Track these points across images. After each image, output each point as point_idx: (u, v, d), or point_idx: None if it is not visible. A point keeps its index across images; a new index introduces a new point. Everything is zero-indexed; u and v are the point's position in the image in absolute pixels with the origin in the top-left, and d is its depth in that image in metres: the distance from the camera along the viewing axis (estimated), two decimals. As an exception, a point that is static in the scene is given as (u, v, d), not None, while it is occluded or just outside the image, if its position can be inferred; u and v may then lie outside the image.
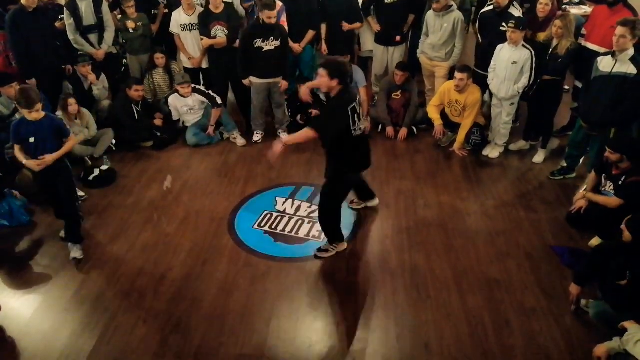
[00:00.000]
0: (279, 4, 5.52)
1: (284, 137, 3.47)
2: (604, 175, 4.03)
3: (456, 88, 5.07)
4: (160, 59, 5.81)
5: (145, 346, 3.24)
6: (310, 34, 5.76)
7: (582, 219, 4.11)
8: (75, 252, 4.00)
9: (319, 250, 3.97)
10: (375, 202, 4.49)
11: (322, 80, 3.50)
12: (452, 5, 5.31)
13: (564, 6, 6.39)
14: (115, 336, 3.31)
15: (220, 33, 5.41)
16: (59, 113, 5.14)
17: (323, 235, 4.17)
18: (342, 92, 3.54)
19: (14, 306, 3.60)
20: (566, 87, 5.95)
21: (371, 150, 3.90)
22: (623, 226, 3.13)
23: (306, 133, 3.58)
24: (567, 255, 3.86)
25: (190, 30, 5.60)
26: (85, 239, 4.09)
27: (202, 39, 5.50)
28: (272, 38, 5.12)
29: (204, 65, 5.80)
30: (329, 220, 3.89)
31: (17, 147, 3.80)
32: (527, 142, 5.39)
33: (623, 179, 3.81)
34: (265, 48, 5.15)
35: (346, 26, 5.74)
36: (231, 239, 4.19)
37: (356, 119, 3.57)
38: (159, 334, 3.32)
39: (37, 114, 3.66)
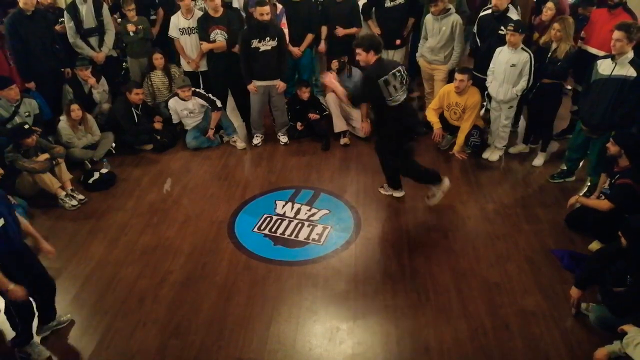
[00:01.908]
0: (279, 7, 5.54)
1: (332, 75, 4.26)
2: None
3: (456, 89, 5.07)
4: (159, 59, 5.81)
5: (144, 350, 3.23)
6: (310, 37, 5.77)
7: (581, 222, 4.12)
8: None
9: (428, 197, 4.43)
10: (400, 193, 4.65)
11: (361, 57, 3.87)
12: (450, 9, 5.32)
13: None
14: (115, 340, 3.31)
15: (219, 37, 5.40)
16: (63, 118, 5.15)
17: (323, 239, 4.17)
18: (375, 64, 3.89)
19: (13, 310, 3.59)
20: (568, 87, 5.94)
21: (416, 117, 4.31)
22: (620, 232, 3.13)
23: (344, 96, 4.10)
24: (567, 258, 3.86)
25: (189, 34, 5.59)
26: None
27: (201, 44, 5.50)
28: (268, 38, 5.12)
29: (203, 68, 5.80)
30: (414, 173, 4.34)
31: None
32: (527, 145, 5.40)
33: (616, 177, 3.82)
34: (262, 48, 5.15)
35: (340, 31, 5.74)
36: (231, 242, 4.19)
37: (391, 90, 3.91)
38: (158, 338, 3.31)
39: None
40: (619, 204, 3.72)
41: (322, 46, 5.87)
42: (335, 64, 5.56)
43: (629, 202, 3.67)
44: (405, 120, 4.14)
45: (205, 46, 5.46)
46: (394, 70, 3.96)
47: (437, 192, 4.37)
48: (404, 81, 4.05)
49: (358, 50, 3.85)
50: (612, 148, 3.85)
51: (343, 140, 5.63)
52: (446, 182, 4.36)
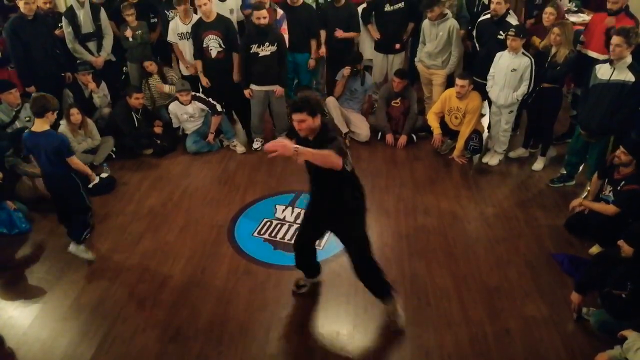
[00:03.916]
0: (280, 12, 5.55)
1: (301, 148, 2.75)
2: (606, 179, 4.04)
3: (457, 95, 5.08)
4: (149, 66, 5.81)
5: (144, 355, 3.22)
6: (314, 43, 5.78)
7: (581, 227, 4.12)
8: (82, 253, 4.00)
9: (390, 317, 3.36)
10: (318, 278, 3.76)
11: (305, 124, 2.90)
12: (446, 14, 5.34)
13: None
14: (114, 345, 3.30)
15: (212, 43, 5.34)
16: (63, 122, 5.16)
17: (323, 244, 4.15)
18: (326, 124, 3.02)
19: (12, 314, 3.58)
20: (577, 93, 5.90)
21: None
22: (621, 242, 3.10)
23: (329, 156, 2.76)
24: (567, 262, 3.86)
25: (188, 39, 5.58)
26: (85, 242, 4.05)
27: (201, 74, 5.50)
28: (267, 43, 5.12)
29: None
30: (375, 273, 3.30)
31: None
32: (527, 150, 5.41)
33: (622, 184, 3.82)
34: (261, 53, 5.15)
35: (340, 33, 5.75)
36: (231, 246, 4.18)
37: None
38: (158, 343, 3.30)
39: (39, 125, 3.68)
40: (626, 209, 3.72)
41: (323, 49, 5.87)
42: (347, 70, 5.58)
43: (636, 207, 3.67)
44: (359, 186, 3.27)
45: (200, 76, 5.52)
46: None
47: (398, 308, 3.40)
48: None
49: (300, 117, 2.88)
50: (624, 157, 3.78)
51: None
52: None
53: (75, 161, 3.84)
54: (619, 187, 3.85)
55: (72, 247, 3.98)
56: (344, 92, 5.74)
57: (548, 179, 4.97)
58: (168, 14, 5.82)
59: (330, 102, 5.66)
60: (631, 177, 3.79)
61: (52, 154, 3.70)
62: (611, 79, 4.13)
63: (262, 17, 4.97)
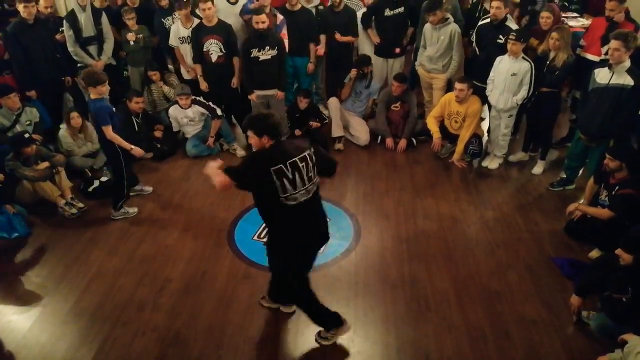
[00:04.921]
0: (280, 17, 5.57)
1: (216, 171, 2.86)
2: (602, 184, 4.06)
3: (456, 99, 5.09)
4: (153, 75, 5.84)
5: (144, 359, 3.22)
6: (314, 48, 5.80)
7: (580, 231, 4.12)
8: (121, 215, 4.61)
9: (320, 336, 3.32)
10: (290, 309, 3.54)
11: (252, 141, 2.92)
12: (448, 18, 5.35)
13: (561, 18, 6.43)
14: (114, 349, 3.29)
15: (213, 47, 5.35)
16: (63, 126, 5.16)
17: (322, 248, 4.15)
18: (271, 147, 2.89)
19: (11, 318, 3.58)
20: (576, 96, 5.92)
21: (322, 221, 3.12)
22: (619, 250, 3.09)
23: (223, 176, 2.82)
24: (567, 266, 3.86)
25: (189, 43, 5.60)
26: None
27: (201, 78, 5.52)
28: (267, 47, 5.13)
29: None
30: (305, 303, 3.25)
31: None
32: (527, 153, 5.41)
33: (616, 189, 3.83)
34: (262, 58, 5.16)
35: (339, 37, 5.79)
36: (230, 250, 4.18)
37: (288, 184, 2.82)
38: (157, 347, 3.30)
39: (92, 93, 4.27)
40: (621, 213, 3.72)
41: (321, 51, 5.88)
42: (354, 72, 5.60)
43: (632, 211, 3.68)
44: (306, 221, 3.02)
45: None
46: (297, 157, 2.89)
47: (329, 337, 3.30)
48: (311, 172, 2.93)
49: (249, 134, 2.92)
50: (612, 164, 3.82)
51: (337, 146, 5.67)
52: (346, 326, 3.30)
53: (110, 132, 4.22)
54: (613, 192, 3.86)
55: (113, 213, 4.60)
56: (350, 94, 5.77)
57: (548, 183, 4.97)
58: (164, 22, 5.86)
59: (332, 103, 5.69)
60: (625, 181, 3.80)
61: (95, 119, 4.28)
62: (610, 83, 4.14)
63: (261, 21, 4.99)
